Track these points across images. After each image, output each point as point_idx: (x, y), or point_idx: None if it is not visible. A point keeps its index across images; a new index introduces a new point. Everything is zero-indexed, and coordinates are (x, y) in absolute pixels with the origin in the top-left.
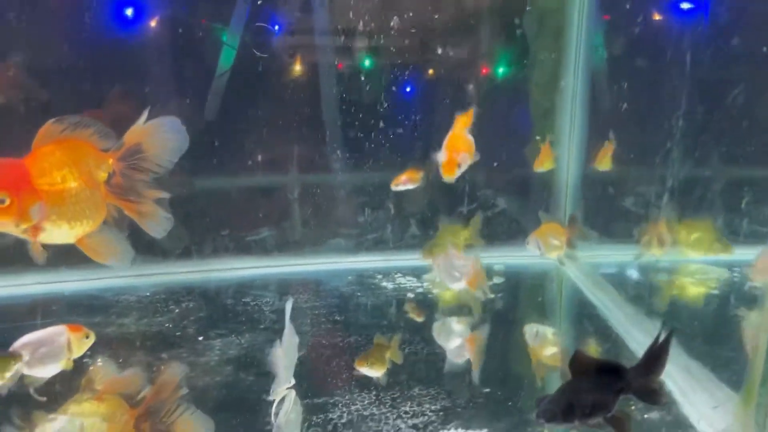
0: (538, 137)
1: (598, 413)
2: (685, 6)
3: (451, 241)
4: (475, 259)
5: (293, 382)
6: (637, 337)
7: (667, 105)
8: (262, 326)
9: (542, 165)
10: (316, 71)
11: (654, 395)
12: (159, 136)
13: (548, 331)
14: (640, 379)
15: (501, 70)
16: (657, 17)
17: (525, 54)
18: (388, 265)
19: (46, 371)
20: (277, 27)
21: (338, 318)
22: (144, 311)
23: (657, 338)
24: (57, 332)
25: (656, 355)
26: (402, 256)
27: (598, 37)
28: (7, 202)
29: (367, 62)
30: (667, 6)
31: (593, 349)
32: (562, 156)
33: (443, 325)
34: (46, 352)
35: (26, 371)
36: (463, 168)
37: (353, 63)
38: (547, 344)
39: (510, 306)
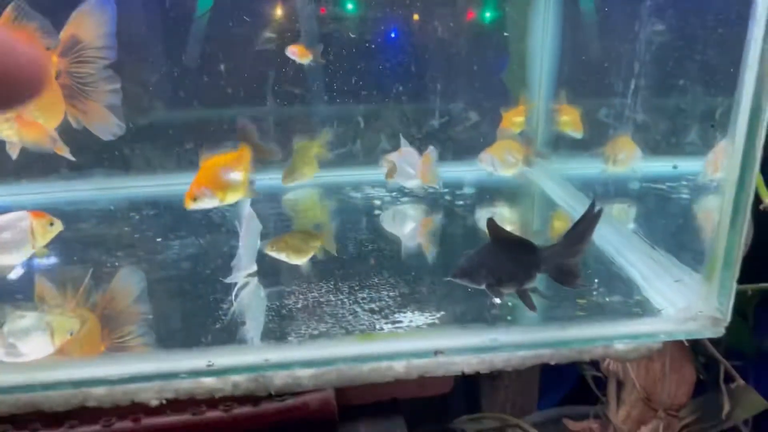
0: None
1: (509, 282)
2: None
3: (304, 159)
4: (426, 154)
5: (255, 268)
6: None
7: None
8: (224, 229)
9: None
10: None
11: (568, 276)
12: (88, 18)
13: (505, 211)
14: (557, 259)
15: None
16: None
17: None
18: (358, 179)
19: (9, 258)
20: None
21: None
22: (104, 219)
23: (583, 217)
24: (18, 217)
25: (578, 236)
26: (372, 170)
27: None
28: None
29: (349, 5)
30: None
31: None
32: (534, 71)
33: (400, 215)
34: (8, 237)
35: None
36: (203, 205)
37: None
38: (504, 223)
39: (477, 207)
